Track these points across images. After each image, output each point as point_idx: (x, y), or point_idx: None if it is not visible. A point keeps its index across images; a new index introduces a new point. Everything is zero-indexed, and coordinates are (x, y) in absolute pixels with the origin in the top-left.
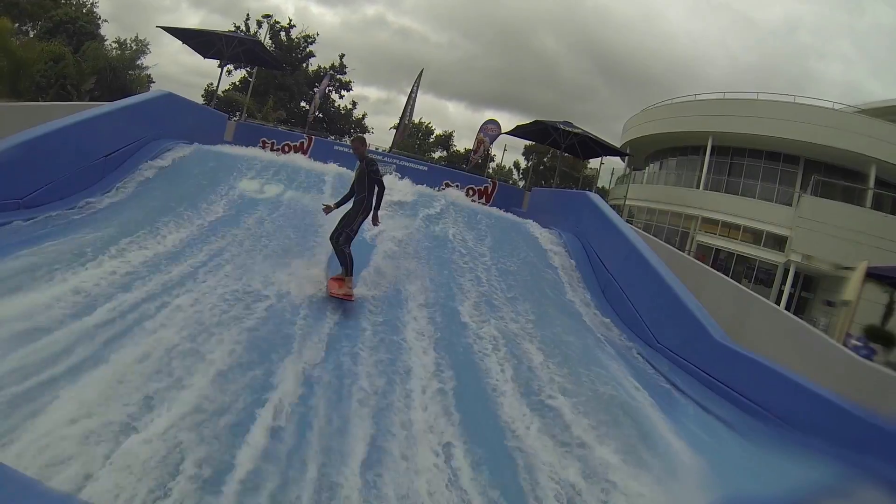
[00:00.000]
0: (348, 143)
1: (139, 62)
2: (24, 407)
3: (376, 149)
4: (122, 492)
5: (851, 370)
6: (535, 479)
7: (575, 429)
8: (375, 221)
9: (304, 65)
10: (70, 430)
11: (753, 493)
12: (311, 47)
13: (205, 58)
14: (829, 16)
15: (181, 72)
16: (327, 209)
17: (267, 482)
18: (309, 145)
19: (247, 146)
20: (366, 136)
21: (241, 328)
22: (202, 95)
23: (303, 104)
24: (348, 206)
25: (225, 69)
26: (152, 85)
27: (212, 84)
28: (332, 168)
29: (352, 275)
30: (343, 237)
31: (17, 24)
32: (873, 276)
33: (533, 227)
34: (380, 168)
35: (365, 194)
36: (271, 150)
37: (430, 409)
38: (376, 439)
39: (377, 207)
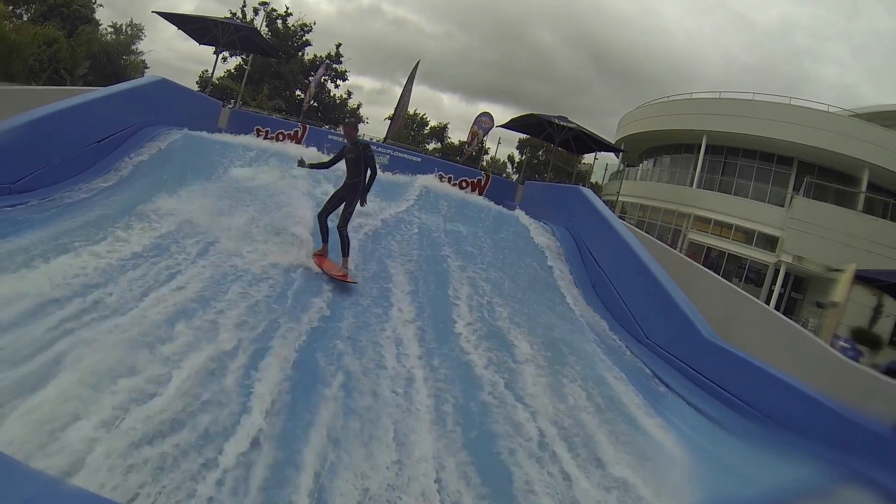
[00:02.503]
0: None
1: (134, 47)
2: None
3: (371, 139)
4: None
5: (838, 371)
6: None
7: (564, 419)
8: (363, 202)
9: (300, 53)
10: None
11: (738, 494)
12: (307, 36)
13: (200, 44)
14: (826, 19)
15: (176, 58)
16: (301, 163)
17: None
18: (303, 134)
19: (241, 134)
20: (360, 125)
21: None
22: (197, 82)
23: (298, 93)
24: (341, 185)
25: (220, 56)
26: (147, 71)
27: (206, 71)
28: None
29: (347, 255)
30: (341, 219)
31: (10, 7)
32: (862, 279)
33: (522, 217)
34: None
35: (359, 178)
36: (265, 138)
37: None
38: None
39: (367, 190)
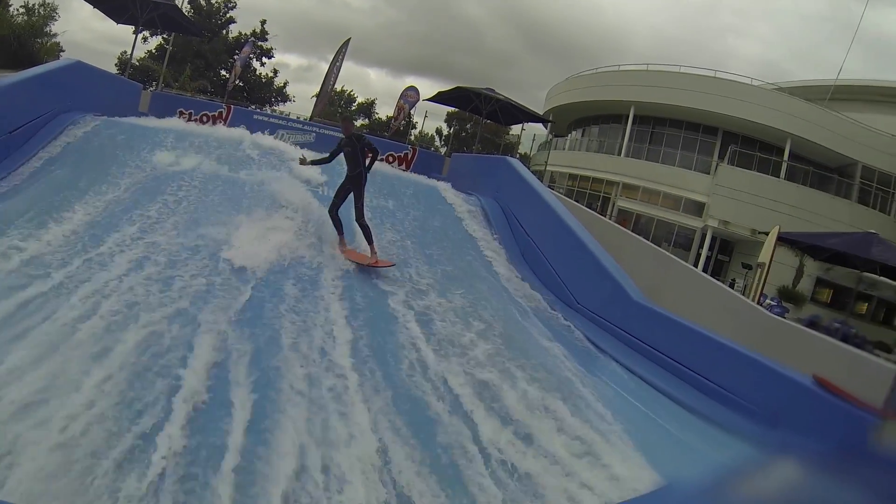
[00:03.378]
0: (269, 111)
1: (47, 29)
2: None
3: (297, 117)
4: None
5: (766, 327)
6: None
7: (497, 385)
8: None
9: (224, 31)
10: None
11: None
12: (231, 13)
13: (118, 23)
14: None
15: (93, 39)
16: (303, 161)
17: None
18: (228, 115)
19: (163, 117)
20: (287, 103)
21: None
22: (115, 64)
23: (223, 73)
24: (344, 179)
25: (140, 36)
26: (62, 54)
27: (126, 52)
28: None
29: (373, 241)
30: (356, 213)
31: None
32: (785, 240)
33: (446, 189)
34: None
35: (360, 169)
36: (189, 120)
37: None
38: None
39: (369, 168)
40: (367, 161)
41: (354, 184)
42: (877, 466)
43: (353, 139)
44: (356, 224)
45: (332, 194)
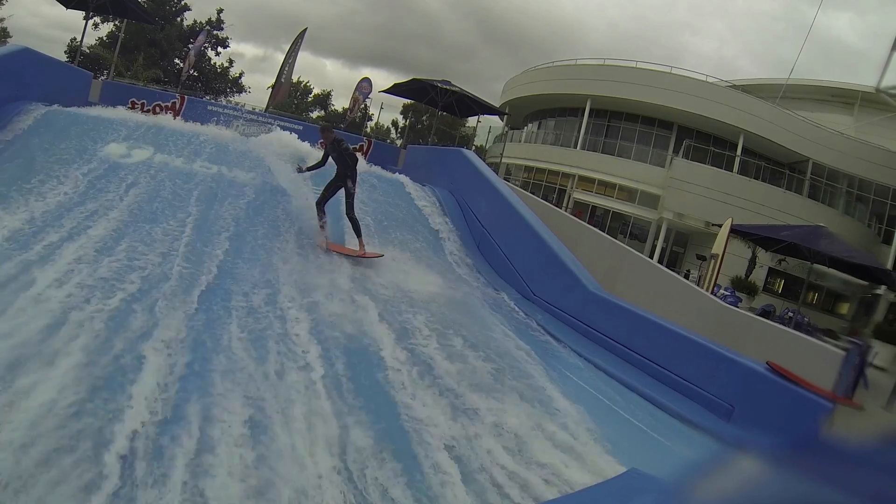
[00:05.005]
0: (224, 102)
1: None
2: None
3: (252, 109)
4: None
5: (720, 315)
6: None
7: (449, 379)
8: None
9: (178, 19)
10: None
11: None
12: (185, 0)
13: (67, 8)
14: None
15: (41, 25)
16: (300, 170)
17: None
18: (181, 106)
19: (114, 107)
20: (242, 94)
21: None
22: (65, 52)
23: (177, 62)
24: (334, 177)
25: (90, 22)
26: (9, 40)
27: (76, 39)
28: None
29: (360, 235)
30: (347, 207)
31: None
32: (738, 232)
33: (405, 180)
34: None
35: (347, 169)
36: (141, 111)
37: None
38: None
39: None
40: (353, 168)
41: (344, 182)
42: (828, 454)
43: (336, 145)
44: (347, 218)
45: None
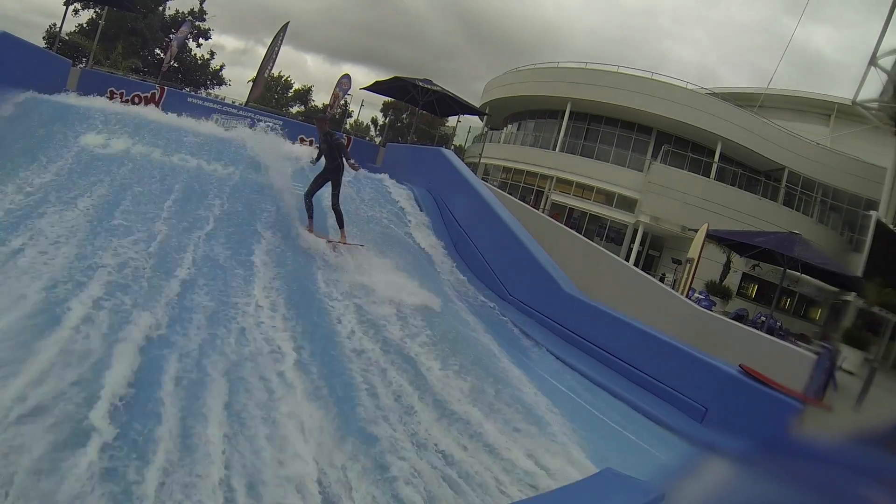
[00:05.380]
0: (204, 95)
1: None
2: None
3: (233, 102)
4: None
5: (695, 319)
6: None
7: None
8: (355, 167)
9: (160, 8)
10: None
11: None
12: None
13: None
14: (688, 4)
15: (20, 10)
16: (313, 163)
17: None
18: (161, 97)
19: (93, 96)
20: (222, 87)
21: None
22: (44, 37)
23: (157, 52)
24: (323, 170)
25: (70, 8)
26: None
27: (55, 25)
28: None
29: (343, 226)
30: (333, 199)
31: None
32: (714, 237)
33: (386, 179)
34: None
35: (337, 162)
36: (121, 100)
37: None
38: None
39: (349, 158)
40: (343, 156)
41: (332, 174)
42: (795, 454)
43: (327, 136)
44: (332, 209)
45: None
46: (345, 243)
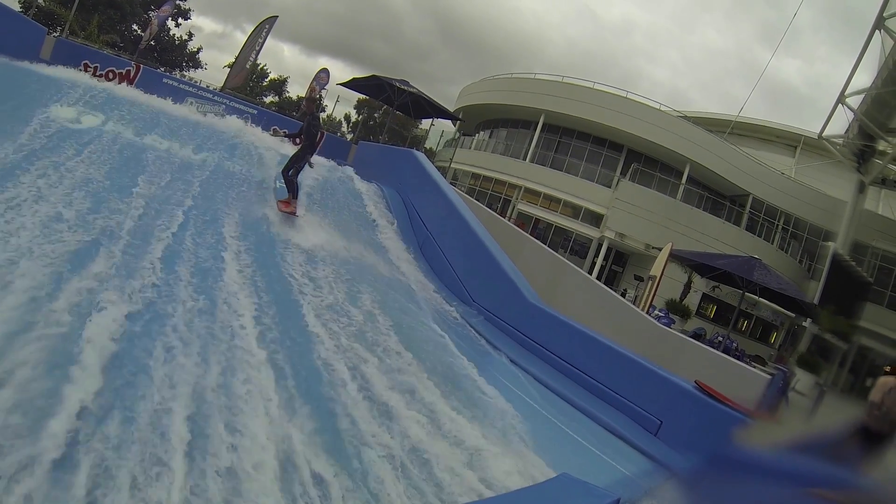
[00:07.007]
0: (180, 76)
1: None
2: None
3: (207, 86)
4: None
5: (654, 335)
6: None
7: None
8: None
9: None
10: None
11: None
12: None
13: None
14: (664, 26)
15: None
16: (275, 132)
17: None
18: (136, 74)
19: (66, 67)
20: (198, 70)
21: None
22: (20, 1)
23: (135, 28)
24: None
25: None
26: None
27: None
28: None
29: (297, 198)
30: (293, 171)
31: None
32: (677, 257)
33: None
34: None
35: (310, 140)
36: (93, 74)
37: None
38: None
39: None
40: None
41: (303, 150)
42: (742, 467)
43: (310, 118)
44: (282, 174)
45: None
46: (282, 208)
